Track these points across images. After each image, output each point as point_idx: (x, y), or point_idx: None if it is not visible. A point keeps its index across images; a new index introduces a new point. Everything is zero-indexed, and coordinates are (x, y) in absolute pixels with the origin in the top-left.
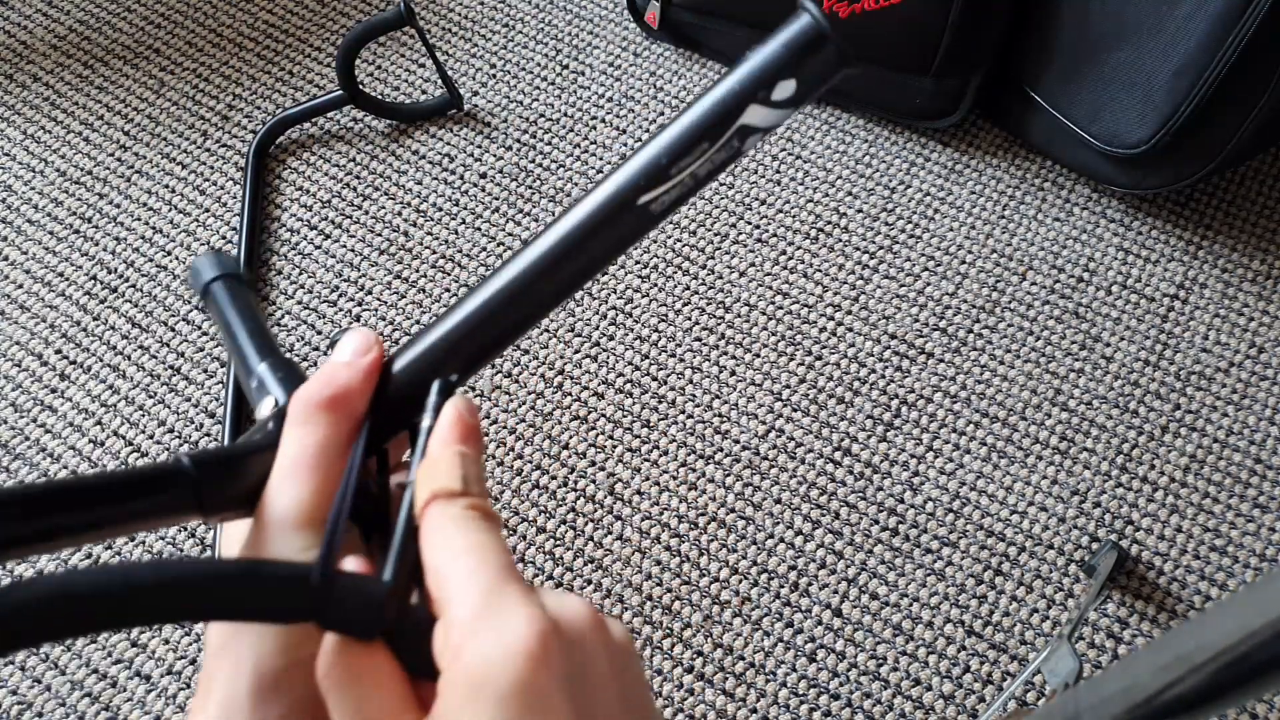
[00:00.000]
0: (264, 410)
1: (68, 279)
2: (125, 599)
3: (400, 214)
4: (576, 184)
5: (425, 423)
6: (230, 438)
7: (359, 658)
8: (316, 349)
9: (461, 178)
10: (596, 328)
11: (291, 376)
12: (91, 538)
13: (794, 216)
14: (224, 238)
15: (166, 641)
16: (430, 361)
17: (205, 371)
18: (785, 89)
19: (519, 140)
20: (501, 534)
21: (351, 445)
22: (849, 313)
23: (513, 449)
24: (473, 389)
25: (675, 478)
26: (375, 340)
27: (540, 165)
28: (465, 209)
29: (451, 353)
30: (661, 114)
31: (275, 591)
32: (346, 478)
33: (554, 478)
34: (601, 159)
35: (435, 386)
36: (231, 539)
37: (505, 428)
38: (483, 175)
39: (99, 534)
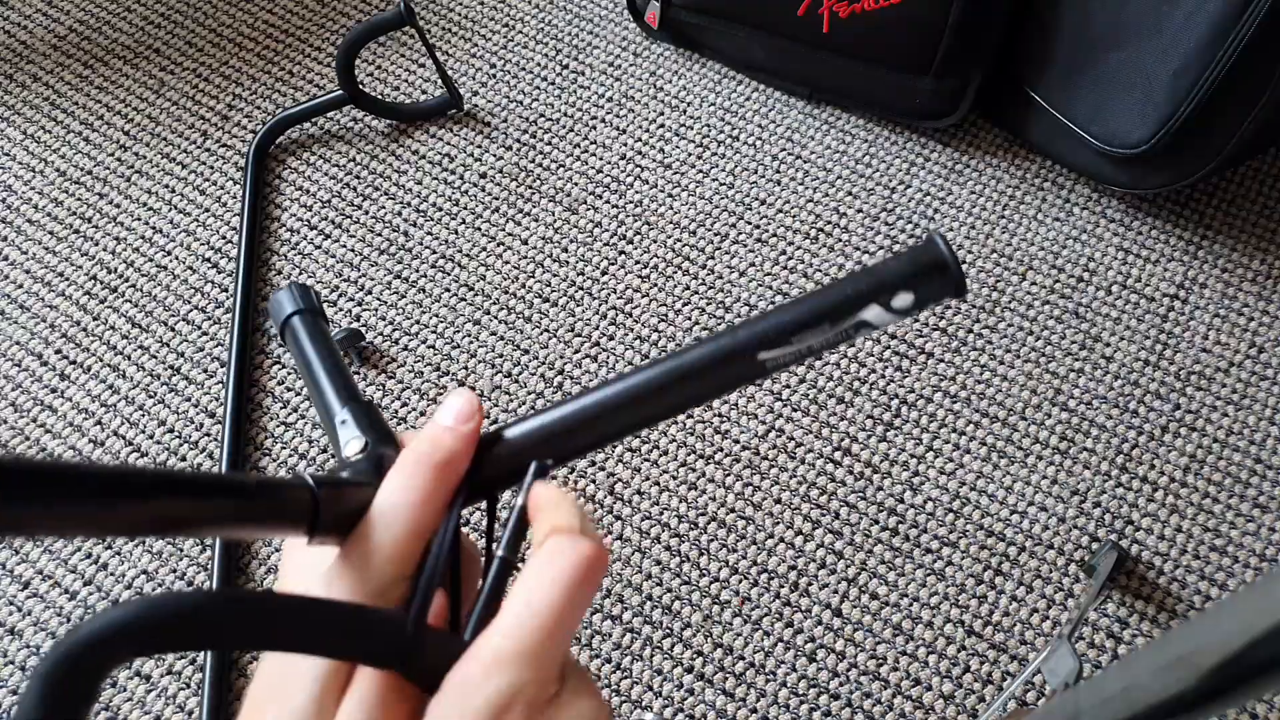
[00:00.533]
0: (350, 449)
1: (68, 279)
2: (247, 624)
3: (400, 214)
4: (576, 184)
5: (520, 500)
6: (231, 439)
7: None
8: None
9: (461, 178)
10: (596, 328)
11: (376, 422)
12: (207, 531)
13: (794, 216)
14: (224, 237)
15: None
16: (532, 443)
17: (205, 371)
18: (904, 300)
19: (519, 140)
20: (595, 586)
21: (447, 505)
22: None
23: None
24: (473, 389)
25: (675, 478)
26: (478, 407)
27: (540, 165)
28: (465, 209)
29: (555, 438)
30: (661, 114)
31: (376, 637)
32: (442, 536)
33: (554, 478)
34: (601, 159)
35: (533, 467)
36: (296, 561)
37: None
38: (483, 175)
39: (214, 529)
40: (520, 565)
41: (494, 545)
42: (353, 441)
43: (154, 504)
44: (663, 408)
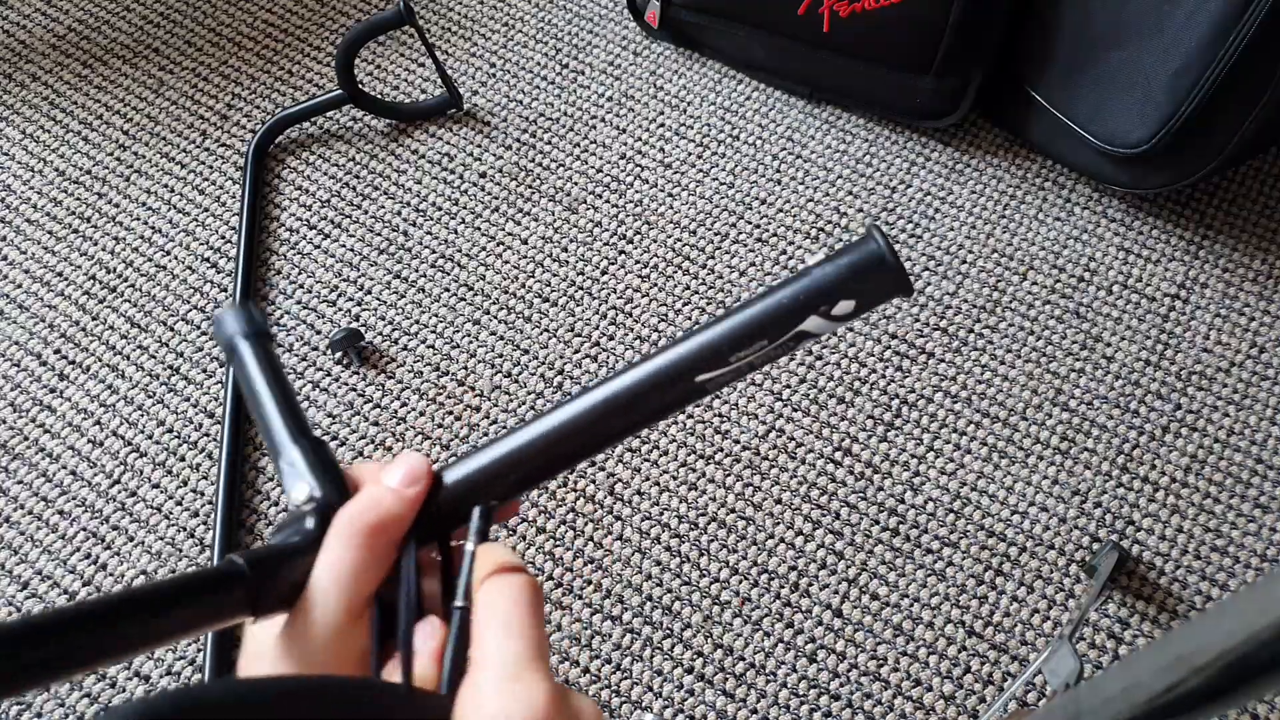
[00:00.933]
0: (297, 495)
1: (67, 279)
2: (258, 710)
3: (400, 214)
4: (576, 183)
5: (470, 546)
6: (231, 439)
7: None
8: (315, 349)
9: (461, 177)
10: (596, 328)
11: (325, 464)
12: (149, 647)
13: (794, 216)
14: (224, 237)
15: None
16: (476, 484)
17: (205, 371)
18: (844, 306)
19: (519, 140)
20: (543, 611)
21: (390, 563)
22: None
23: None
24: (473, 389)
25: (675, 478)
26: (426, 471)
27: (540, 165)
28: (465, 209)
29: (497, 478)
30: (661, 113)
31: (386, 705)
32: (405, 591)
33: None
34: (601, 158)
35: (477, 512)
36: (253, 634)
37: (505, 428)
38: (482, 175)
39: (156, 643)
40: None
41: (451, 589)
42: (300, 487)
43: (75, 641)
44: (599, 438)
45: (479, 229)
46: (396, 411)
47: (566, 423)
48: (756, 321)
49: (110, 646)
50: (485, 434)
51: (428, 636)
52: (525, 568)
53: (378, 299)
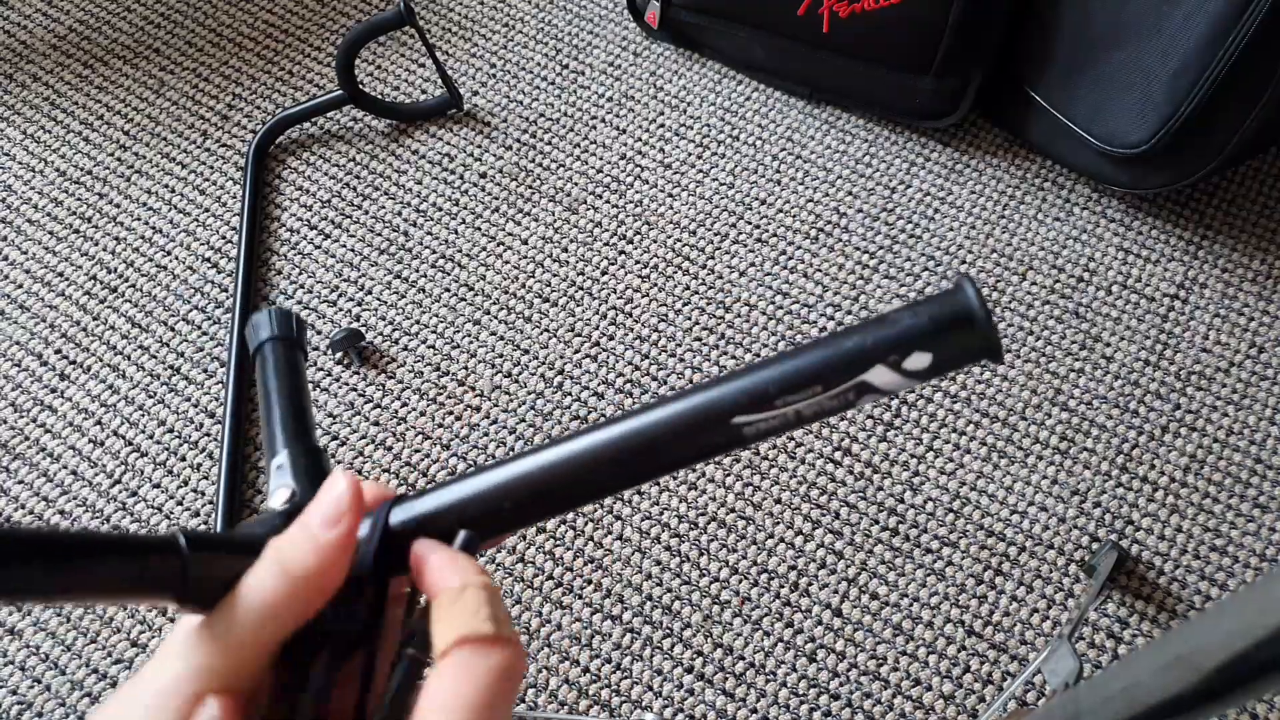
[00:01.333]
0: (277, 499)
1: (68, 279)
2: None
3: (400, 214)
4: (576, 184)
5: (446, 583)
6: (231, 439)
7: None
8: (315, 349)
9: (461, 178)
10: (596, 328)
11: (315, 471)
12: (70, 597)
13: (794, 216)
14: (224, 237)
15: None
16: (461, 515)
17: (205, 371)
18: (919, 360)
19: (519, 140)
20: (514, 697)
21: (314, 610)
22: (849, 313)
23: (513, 449)
24: (473, 389)
25: (675, 478)
26: (350, 504)
27: (540, 165)
28: (465, 209)
29: (486, 512)
30: (661, 114)
31: None
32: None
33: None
34: (601, 159)
35: (461, 538)
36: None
37: (505, 428)
38: (483, 175)
39: (78, 594)
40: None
41: (407, 624)
42: (281, 490)
43: None
44: (616, 477)
45: (479, 229)
46: (397, 411)
47: (580, 457)
48: (813, 364)
49: (22, 582)
50: (485, 434)
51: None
52: (509, 638)
53: (378, 299)
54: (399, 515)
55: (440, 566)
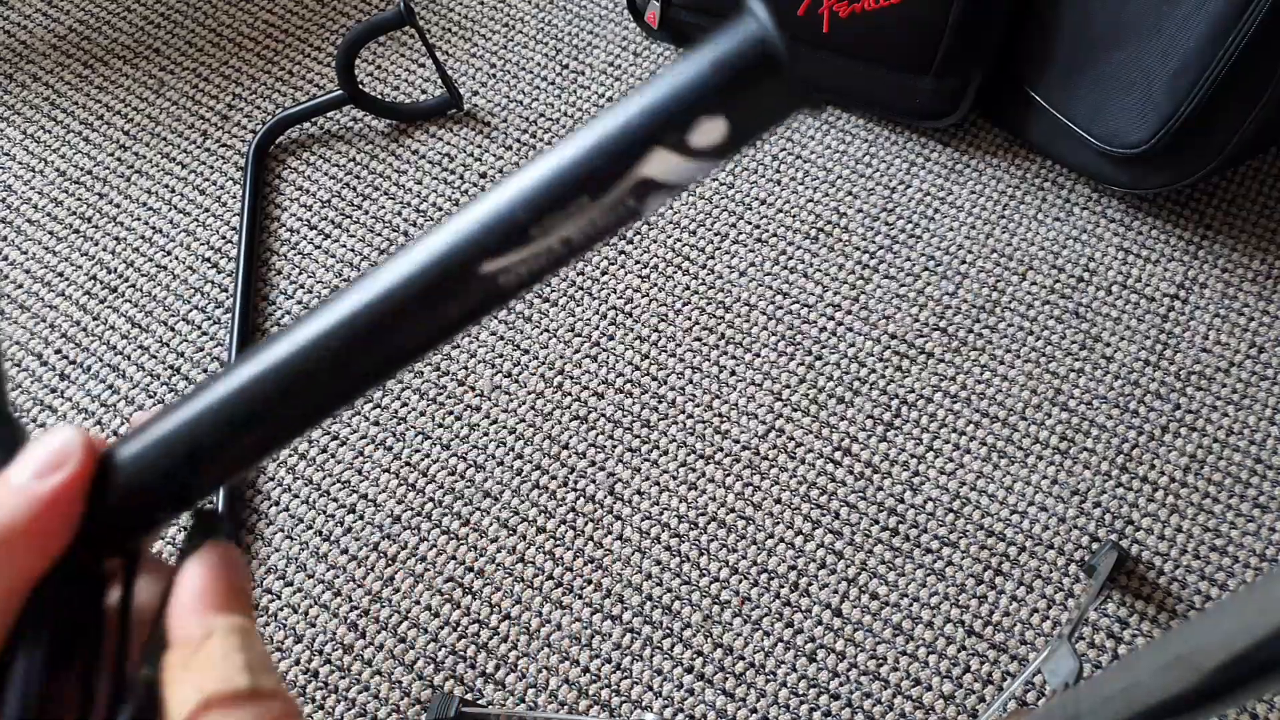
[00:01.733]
0: None
1: (68, 279)
2: None
3: (400, 214)
4: None
5: (187, 583)
6: None
7: None
8: None
9: (461, 178)
10: (596, 328)
11: (9, 441)
12: None
13: (794, 216)
14: (224, 237)
15: None
16: (168, 458)
17: (205, 371)
18: (711, 131)
19: (519, 140)
20: None
21: (28, 582)
22: (849, 313)
23: (513, 449)
24: (473, 389)
25: (675, 478)
26: (77, 452)
27: None
28: None
29: (199, 450)
30: None
31: None
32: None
33: (554, 478)
34: None
35: (190, 522)
36: None
37: (505, 428)
38: (483, 175)
39: None
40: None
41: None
42: None
43: None
44: (355, 373)
45: None
46: (397, 411)
47: (307, 349)
48: (570, 167)
49: None
50: (485, 434)
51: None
52: (271, 691)
53: None
54: (127, 452)
55: (178, 609)
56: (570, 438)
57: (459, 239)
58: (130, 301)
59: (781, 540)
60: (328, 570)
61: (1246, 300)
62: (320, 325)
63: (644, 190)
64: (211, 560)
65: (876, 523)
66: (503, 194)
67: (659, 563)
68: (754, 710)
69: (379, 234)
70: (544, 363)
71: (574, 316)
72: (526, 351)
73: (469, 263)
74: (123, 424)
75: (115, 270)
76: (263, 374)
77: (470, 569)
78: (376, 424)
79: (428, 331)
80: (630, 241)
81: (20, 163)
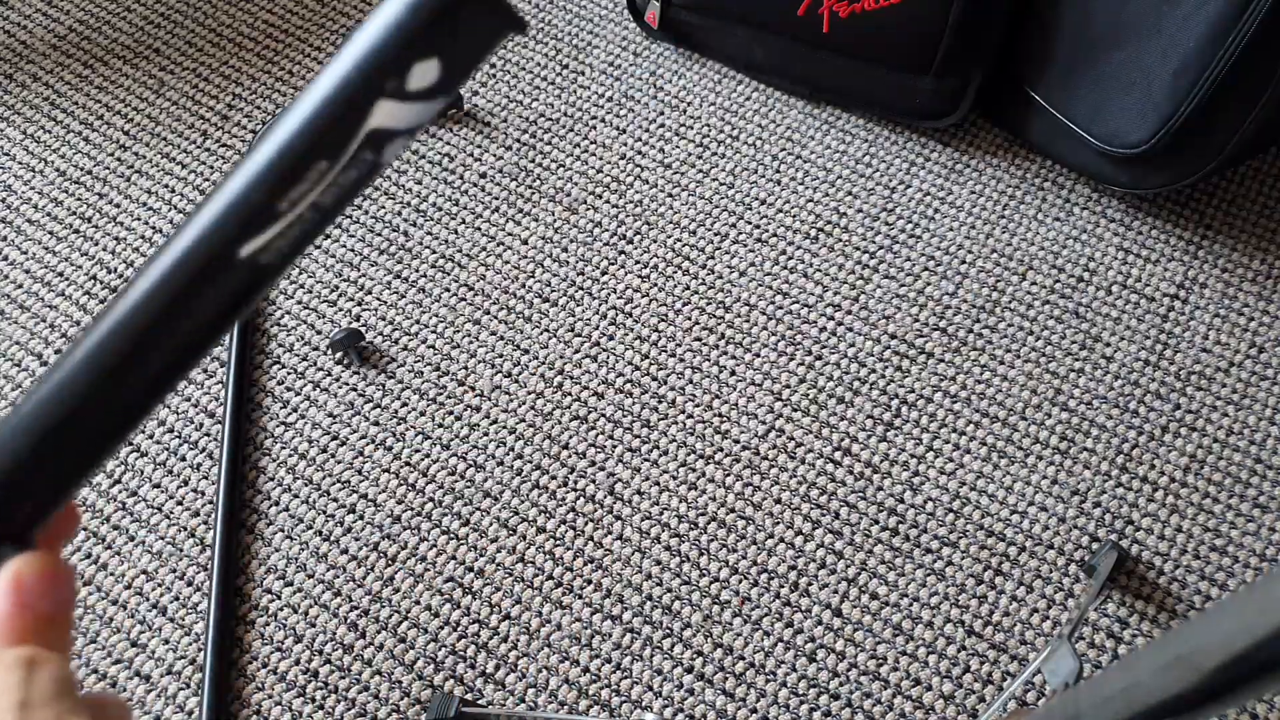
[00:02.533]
0: None
1: (68, 279)
2: None
3: (400, 214)
4: (576, 183)
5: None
6: (231, 439)
7: None
8: (316, 349)
9: (461, 178)
10: (596, 328)
11: None
12: None
13: (794, 216)
14: None
15: (166, 641)
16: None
17: (205, 371)
18: (426, 73)
19: (519, 140)
20: None
21: None
22: (849, 313)
23: (513, 449)
24: (473, 389)
25: (675, 478)
26: None
27: (540, 165)
28: (465, 209)
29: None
30: (661, 114)
31: None
32: None
33: (554, 478)
34: (601, 159)
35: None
36: None
37: (505, 428)
38: (483, 175)
39: None
40: None
41: None
42: None
43: None
44: (139, 384)
45: (479, 229)
46: (397, 411)
47: (83, 368)
48: (299, 137)
49: None
50: (485, 434)
51: None
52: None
53: (378, 299)
54: None
55: None
56: (570, 438)
57: (211, 228)
58: None
59: (781, 540)
60: (328, 570)
61: (1246, 300)
62: (103, 332)
63: (378, 141)
64: (16, 569)
65: (876, 523)
66: (243, 176)
67: (659, 563)
68: (754, 710)
69: (379, 234)
70: (544, 363)
71: (574, 316)
72: (526, 351)
73: (226, 249)
74: None
75: (115, 270)
76: (57, 394)
77: (470, 569)
78: (376, 424)
79: (205, 322)
80: (630, 241)
81: (20, 163)
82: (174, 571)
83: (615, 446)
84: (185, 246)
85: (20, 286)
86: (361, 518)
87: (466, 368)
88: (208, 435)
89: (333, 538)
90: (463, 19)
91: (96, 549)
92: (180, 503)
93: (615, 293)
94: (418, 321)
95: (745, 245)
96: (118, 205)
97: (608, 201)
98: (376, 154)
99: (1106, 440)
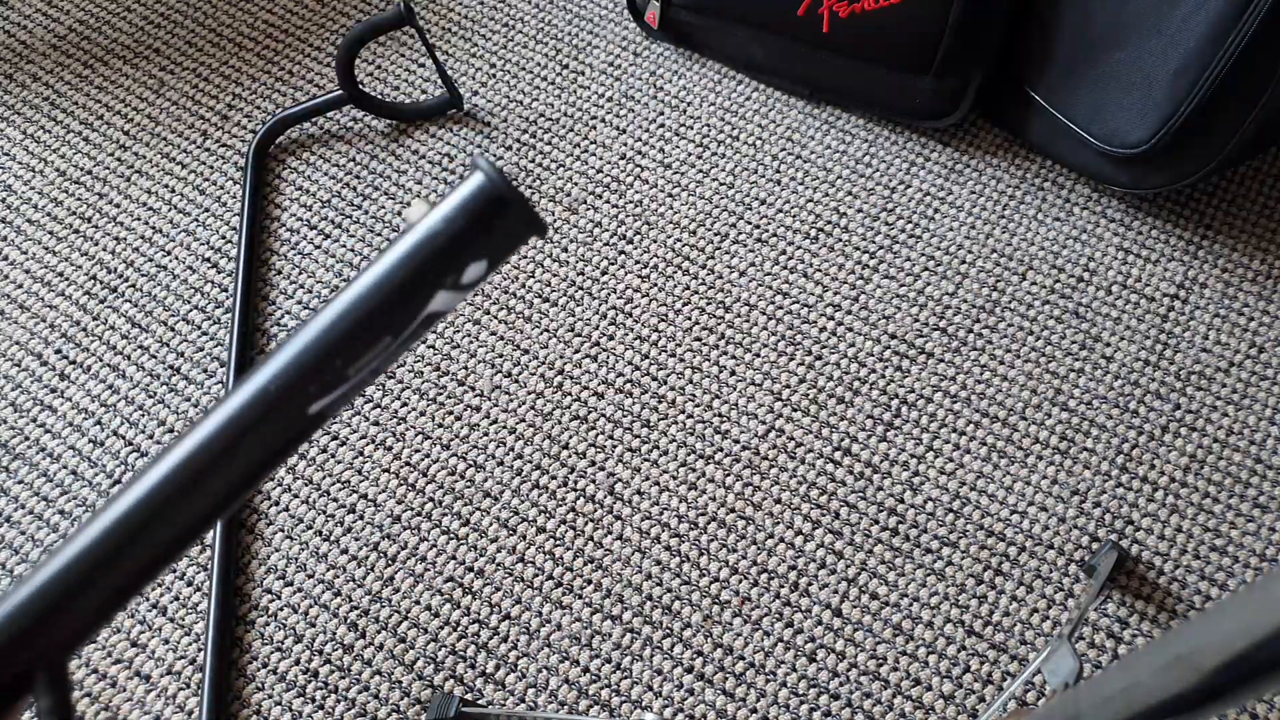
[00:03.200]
0: None
1: (68, 279)
2: None
3: (400, 214)
4: (576, 183)
5: None
6: None
7: None
8: None
9: (461, 178)
10: (596, 328)
11: None
12: None
13: (794, 216)
14: (224, 237)
15: (166, 641)
16: (29, 634)
17: (205, 371)
18: (476, 270)
19: (519, 140)
20: None
21: None
22: (849, 313)
23: (513, 449)
24: (473, 389)
25: (675, 478)
26: None
27: (540, 165)
28: None
29: (50, 618)
30: (661, 114)
31: None
32: None
33: (554, 478)
34: (601, 159)
35: (42, 680)
36: None
37: (505, 428)
38: None
39: None
40: None
41: None
42: None
43: None
44: (203, 513)
45: None
46: (396, 411)
47: (132, 515)
48: (374, 318)
49: None
50: (485, 434)
51: None
52: None
53: None
54: None
55: None
56: (570, 438)
57: (293, 389)
58: (130, 301)
59: (781, 540)
60: (328, 570)
61: (1246, 300)
62: (162, 473)
63: (430, 320)
64: None
65: (876, 523)
66: (321, 345)
67: (659, 563)
68: (754, 710)
69: (379, 234)
70: (544, 363)
71: (574, 316)
72: (526, 351)
73: (300, 407)
74: (122, 424)
75: (115, 270)
76: (123, 519)
77: (470, 569)
78: (376, 424)
79: (262, 462)
80: (630, 241)
81: (20, 163)
82: (173, 570)
83: (615, 446)
84: (261, 401)
85: (20, 286)
86: (361, 518)
87: (466, 368)
88: None
89: (333, 538)
90: (508, 228)
91: None
92: None
93: (615, 293)
94: None
95: (745, 245)
96: (118, 205)
97: (608, 201)
98: (424, 328)
99: (1106, 440)
